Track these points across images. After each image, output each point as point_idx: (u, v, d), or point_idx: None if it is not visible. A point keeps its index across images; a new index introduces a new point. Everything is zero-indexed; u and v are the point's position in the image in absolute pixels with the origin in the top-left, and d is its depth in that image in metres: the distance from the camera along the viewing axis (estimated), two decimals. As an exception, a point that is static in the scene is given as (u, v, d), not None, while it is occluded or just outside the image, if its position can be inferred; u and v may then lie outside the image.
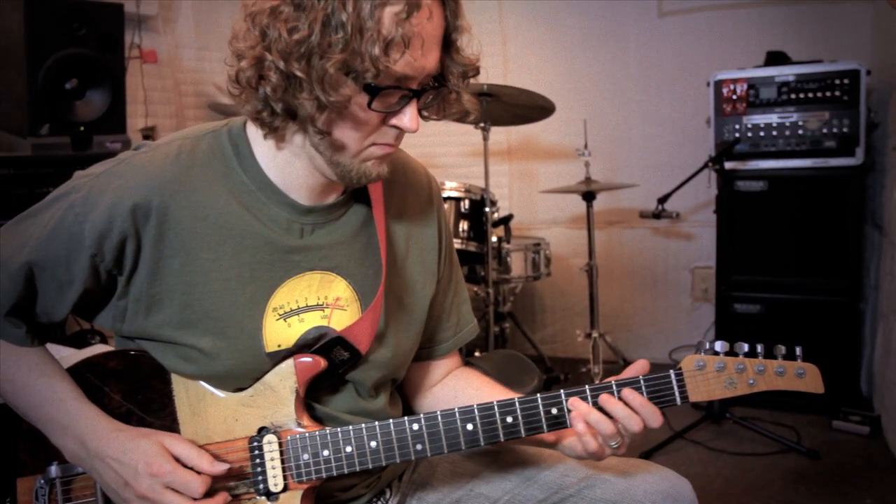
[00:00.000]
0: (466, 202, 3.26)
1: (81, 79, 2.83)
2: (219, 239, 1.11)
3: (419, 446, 1.11)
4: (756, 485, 2.75)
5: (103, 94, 2.90)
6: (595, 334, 3.39)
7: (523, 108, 3.20)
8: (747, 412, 3.25)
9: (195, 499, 1.04)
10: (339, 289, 1.18)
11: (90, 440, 1.08)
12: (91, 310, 1.16)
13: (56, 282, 1.10)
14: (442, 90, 1.10)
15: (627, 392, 1.11)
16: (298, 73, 0.98)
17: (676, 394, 1.11)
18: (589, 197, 3.39)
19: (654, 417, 1.11)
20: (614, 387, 1.11)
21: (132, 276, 1.10)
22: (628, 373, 1.14)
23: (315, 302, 1.16)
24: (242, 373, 1.13)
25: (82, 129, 2.84)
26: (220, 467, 1.07)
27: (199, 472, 1.05)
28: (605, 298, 3.92)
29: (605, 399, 1.11)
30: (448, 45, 1.07)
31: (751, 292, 3.38)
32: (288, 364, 1.12)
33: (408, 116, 1.06)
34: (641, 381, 1.11)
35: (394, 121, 1.06)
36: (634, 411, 1.10)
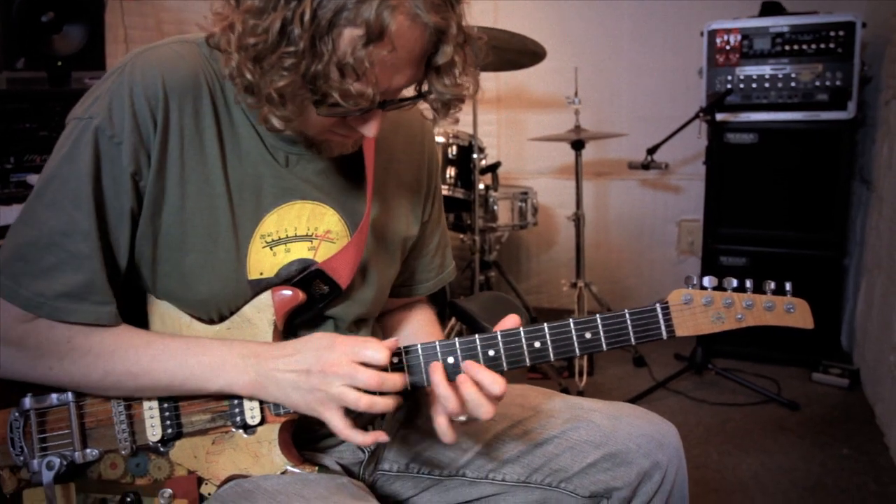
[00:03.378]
0: (454, 148, 3.20)
1: (58, 12, 2.71)
2: (213, 155, 1.05)
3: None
4: (736, 434, 2.77)
5: (81, 28, 2.79)
6: (580, 284, 3.37)
7: (514, 52, 3.12)
8: (729, 364, 3.27)
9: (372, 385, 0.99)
10: (330, 222, 1.14)
11: (255, 360, 1.03)
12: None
13: (116, 222, 1.03)
14: (415, 101, 1.04)
15: (469, 364, 1.04)
16: (247, 76, 0.93)
17: (662, 328, 1.07)
18: (578, 146, 3.34)
19: (494, 385, 1.02)
20: (479, 345, 1.06)
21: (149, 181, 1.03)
22: (505, 324, 1.08)
23: (304, 232, 1.12)
24: (222, 299, 1.08)
25: (60, 63, 2.74)
26: (391, 343, 1.03)
27: None
28: (591, 249, 3.90)
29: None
30: (431, 65, 0.99)
31: (737, 245, 3.37)
32: (266, 296, 1.08)
33: (367, 126, 1.01)
34: (627, 315, 1.07)
35: (352, 122, 1.01)
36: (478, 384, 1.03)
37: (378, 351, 1.00)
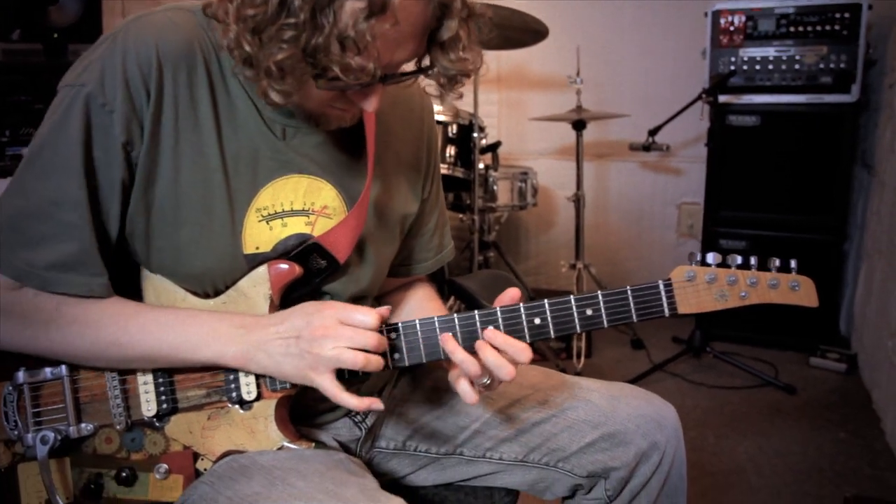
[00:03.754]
0: (454, 126, 3.16)
1: (55, -17, 2.69)
2: (208, 126, 1.03)
3: (396, 355, 1.06)
4: (733, 417, 2.77)
5: (78, 0, 2.76)
6: (579, 265, 3.36)
7: (515, 30, 3.08)
8: (727, 347, 3.27)
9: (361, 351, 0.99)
10: (328, 197, 1.11)
11: (245, 331, 1.02)
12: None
13: (106, 192, 1.00)
14: (416, 76, 1.02)
15: (489, 332, 1.04)
16: (246, 48, 0.90)
17: (665, 304, 1.05)
18: (579, 126, 3.32)
19: (522, 353, 1.02)
20: (477, 320, 1.05)
21: (142, 152, 1.01)
22: (505, 299, 1.07)
23: (300, 207, 1.09)
24: (217, 273, 1.06)
25: (56, 35, 2.71)
26: (383, 309, 1.02)
27: None
28: (591, 231, 3.88)
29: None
30: (435, 40, 0.98)
31: (737, 229, 3.36)
32: (262, 270, 1.06)
33: (368, 100, 0.99)
34: (629, 291, 1.06)
35: (352, 96, 0.99)
36: (499, 351, 1.03)
37: (367, 315, 1.00)
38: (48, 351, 1.03)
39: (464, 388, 1.05)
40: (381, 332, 1.02)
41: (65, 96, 0.99)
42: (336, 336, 0.98)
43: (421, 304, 1.34)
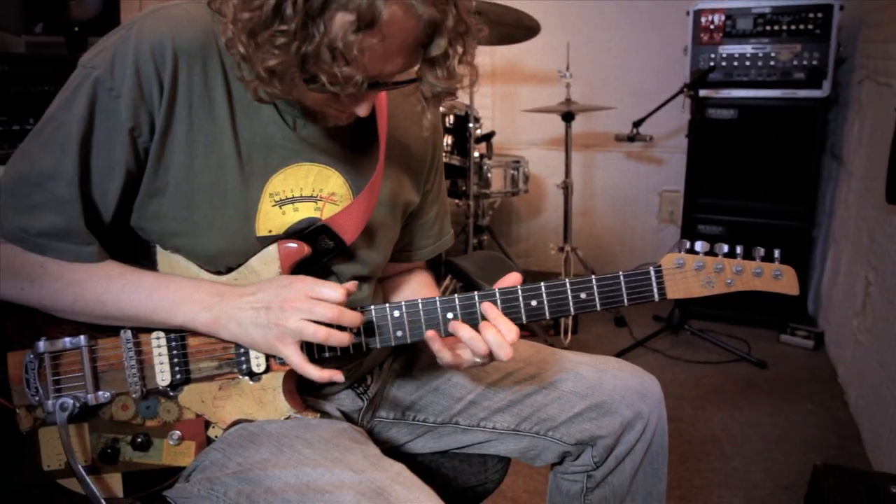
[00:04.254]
0: (451, 117, 3.14)
1: (76, -22, 2.65)
2: (223, 115, 1.00)
3: (399, 332, 1.04)
4: (709, 390, 2.77)
5: (98, -6, 2.72)
6: (567, 248, 3.34)
7: (509, 26, 3.05)
8: (703, 325, 3.26)
9: (326, 333, 0.97)
10: (335, 184, 1.09)
11: (219, 298, 1.00)
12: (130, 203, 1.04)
13: (103, 173, 0.98)
14: (405, 86, 0.96)
15: (486, 305, 1.03)
16: (240, 49, 0.87)
17: (655, 290, 1.04)
18: (568, 117, 3.29)
19: (511, 332, 1.02)
20: (476, 299, 1.03)
21: (153, 140, 0.98)
22: (505, 282, 1.06)
23: (309, 193, 1.07)
24: (231, 254, 1.04)
25: (77, 29, 2.67)
26: (350, 285, 1.01)
27: None
28: (578, 217, 3.87)
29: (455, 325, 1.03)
30: (425, 55, 0.91)
31: (714, 215, 3.34)
32: (272, 249, 1.04)
33: (360, 106, 0.96)
34: (621, 276, 1.04)
35: (345, 100, 0.95)
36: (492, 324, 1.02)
37: (334, 289, 0.98)
38: (35, 303, 1.01)
39: (446, 357, 1.05)
40: (356, 309, 1.00)
41: (77, 75, 0.97)
42: (302, 309, 0.96)
43: (419, 291, 1.31)
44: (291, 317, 0.96)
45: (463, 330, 1.02)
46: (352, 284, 1.02)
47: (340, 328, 0.98)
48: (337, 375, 0.99)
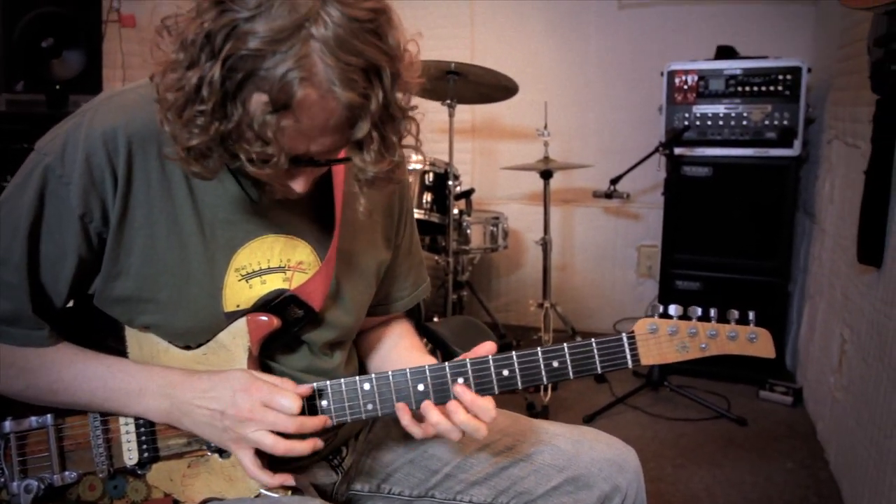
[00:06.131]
0: (430, 175, 3.16)
1: (58, 38, 2.67)
2: (182, 194, 1.00)
3: (370, 406, 1.03)
4: (689, 447, 2.75)
5: (80, 54, 2.74)
6: (546, 304, 3.34)
7: (488, 87, 3.11)
8: (683, 381, 3.25)
9: (286, 436, 0.97)
10: (303, 253, 1.09)
11: (172, 390, 0.99)
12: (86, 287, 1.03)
13: (53, 259, 0.98)
14: (324, 166, 0.95)
15: (459, 388, 1.02)
16: (167, 129, 0.86)
17: (628, 357, 1.04)
18: (546, 175, 3.33)
19: (487, 413, 1.01)
20: (447, 370, 1.03)
21: (110, 226, 0.98)
22: (478, 352, 1.05)
23: (277, 264, 1.07)
24: (200, 330, 1.04)
25: (58, 87, 2.68)
26: (305, 390, 1.00)
27: None
28: (557, 272, 3.88)
29: (427, 406, 1.03)
30: (351, 136, 0.88)
31: (691, 270, 3.37)
32: (241, 322, 1.03)
33: (296, 181, 0.94)
34: (594, 344, 1.04)
35: (280, 176, 0.93)
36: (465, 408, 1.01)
37: (291, 400, 0.97)
38: None
39: (416, 432, 1.04)
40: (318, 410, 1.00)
41: (31, 160, 0.98)
42: (259, 420, 0.96)
43: (399, 342, 1.30)
44: (248, 426, 0.96)
45: (432, 414, 1.01)
46: (307, 388, 1.01)
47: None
48: (288, 480, 0.99)
